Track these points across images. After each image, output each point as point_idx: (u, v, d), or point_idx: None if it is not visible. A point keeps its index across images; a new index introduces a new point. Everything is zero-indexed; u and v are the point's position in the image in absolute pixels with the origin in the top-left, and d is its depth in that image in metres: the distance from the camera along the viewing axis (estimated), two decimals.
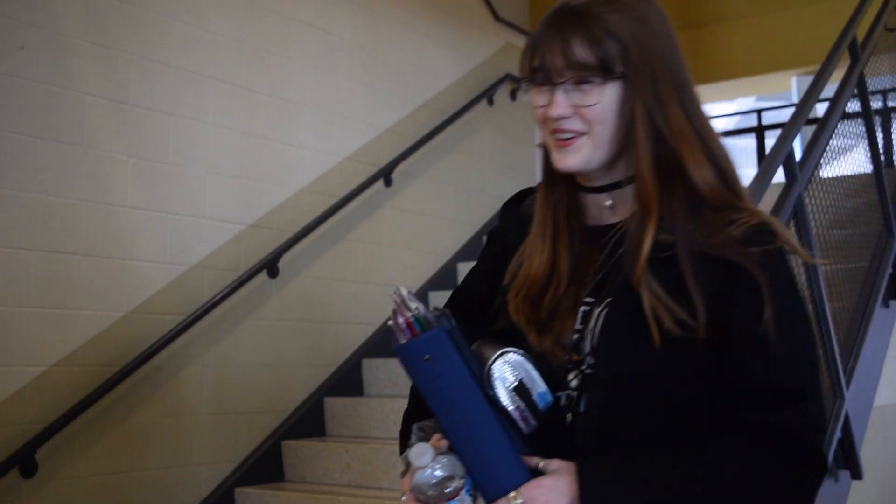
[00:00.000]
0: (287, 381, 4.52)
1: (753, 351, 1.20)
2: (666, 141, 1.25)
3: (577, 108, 1.25)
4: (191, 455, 4.06)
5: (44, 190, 3.61)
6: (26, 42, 3.60)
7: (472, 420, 1.17)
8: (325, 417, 4.63)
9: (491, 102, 6.33)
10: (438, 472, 1.18)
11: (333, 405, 4.61)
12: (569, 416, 1.26)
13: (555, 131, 1.27)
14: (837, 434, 3.15)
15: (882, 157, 4.21)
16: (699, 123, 1.28)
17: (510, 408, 1.19)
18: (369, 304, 4.99)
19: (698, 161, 1.25)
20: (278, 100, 4.68)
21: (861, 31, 4.06)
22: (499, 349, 1.21)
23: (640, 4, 1.29)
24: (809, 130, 3.75)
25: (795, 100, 9.05)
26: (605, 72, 1.23)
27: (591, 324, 1.27)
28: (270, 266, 4.46)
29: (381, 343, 4.92)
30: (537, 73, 1.28)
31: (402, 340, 1.20)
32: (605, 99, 1.24)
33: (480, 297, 1.41)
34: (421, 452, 1.19)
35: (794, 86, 9.21)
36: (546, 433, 1.22)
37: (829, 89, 3.77)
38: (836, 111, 3.63)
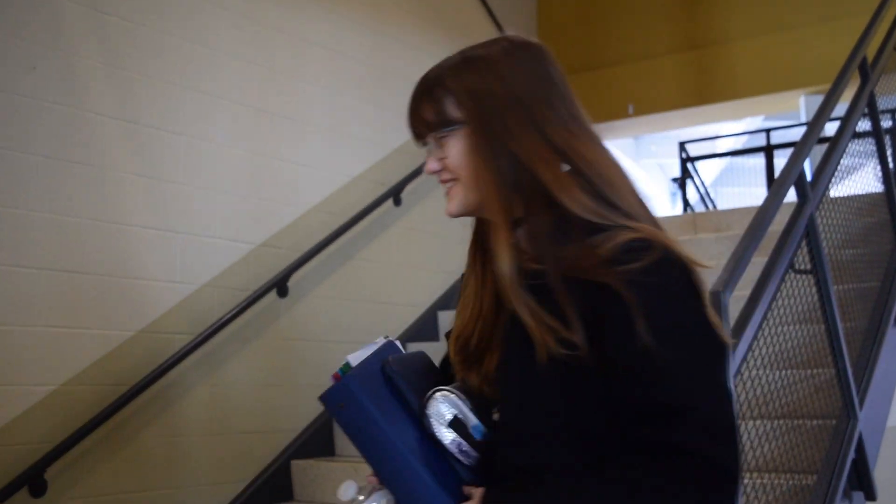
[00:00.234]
0: (296, 401, 4.50)
1: (631, 370, 1.20)
2: (526, 170, 1.31)
3: (442, 161, 1.39)
4: (200, 475, 4.05)
5: (54, 209, 3.61)
6: (38, 62, 3.61)
7: (390, 458, 1.27)
8: (335, 436, 4.61)
9: None
10: None
11: None
12: None
13: (441, 183, 1.42)
14: (851, 455, 3.12)
15: (893, 177, 4.19)
16: (571, 149, 1.32)
17: (446, 441, 1.28)
18: (379, 324, 4.98)
19: (566, 185, 1.29)
20: (287, 119, 4.69)
21: (871, 51, 4.06)
22: (435, 388, 1.31)
23: (488, 57, 1.39)
24: (817, 150, 3.74)
25: (804, 119, 9.04)
26: (446, 124, 1.36)
27: None
28: (280, 285, 4.46)
29: None
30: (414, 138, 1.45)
31: None
32: (455, 147, 1.37)
33: None
34: (346, 488, 1.33)
35: (802, 105, 9.20)
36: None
37: (839, 109, 3.77)
38: (847, 130, 3.62)
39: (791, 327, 3.07)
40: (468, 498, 1.27)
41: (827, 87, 3.56)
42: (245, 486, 4.22)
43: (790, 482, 2.86)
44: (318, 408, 4.60)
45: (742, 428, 2.52)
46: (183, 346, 3.96)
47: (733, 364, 2.37)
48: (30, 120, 3.56)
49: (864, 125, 4.04)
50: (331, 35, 5.04)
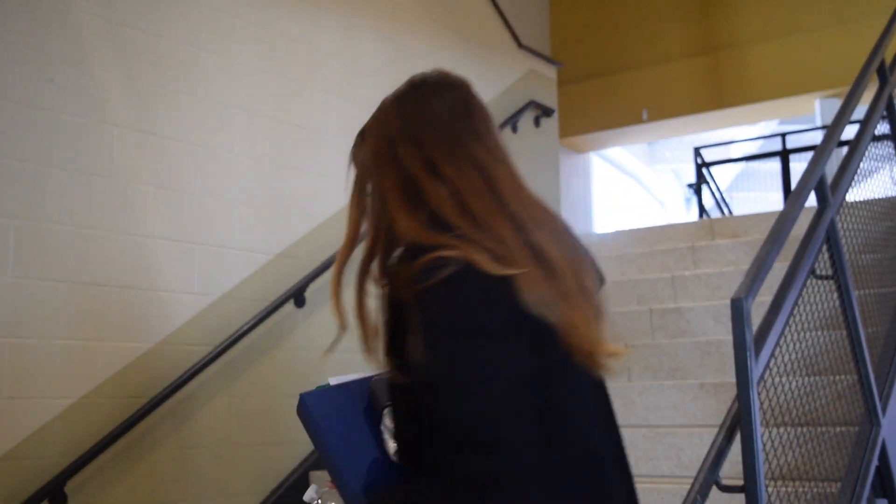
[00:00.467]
0: None
1: (412, 386, 1.25)
2: (378, 201, 1.45)
3: None
4: (218, 486, 4.05)
5: (72, 221, 3.62)
6: (56, 74, 3.63)
7: (333, 467, 1.38)
8: None
9: (515, 129, 6.34)
10: None
11: None
12: None
13: None
14: (874, 462, 3.10)
15: None
16: (409, 179, 1.39)
17: (390, 452, 1.38)
18: None
19: (397, 212, 1.38)
20: (304, 129, 4.70)
21: (889, 54, 4.04)
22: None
23: (380, 105, 1.53)
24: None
25: (819, 123, 9.00)
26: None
27: None
28: (297, 295, 4.46)
29: None
30: None
31: None
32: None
33: None
34: (310, 490, 1.55)
35: (817, 109, 9.16)
36: None
37: (855, 112, 3.75)
38: (866, 134, 3.60)
39: (811, 333, 3.05)
40: None
41: (842, 90, 3.56)
42: (263, 497, 4.22)
43: (814, 490, 2.83)
44: None
45: (765, 436, 2.50)
46: (202, 357, 3.96)
47: (757, 370, 2.35)
48: (47, 132, 3.58)
49: (881, 128, 4.02)
50: (346, 45, 5.05)
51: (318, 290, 4.59)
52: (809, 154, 9.31)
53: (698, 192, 10.08)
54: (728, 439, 2.39)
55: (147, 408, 3.72)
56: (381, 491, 1.33)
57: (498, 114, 6.20)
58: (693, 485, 2.26)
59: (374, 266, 1.43)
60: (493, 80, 6.29)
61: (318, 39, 4.88)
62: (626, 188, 15.46)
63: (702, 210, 10.01)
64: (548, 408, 1.27)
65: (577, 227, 8.00)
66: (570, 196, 9.32)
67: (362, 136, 1.50)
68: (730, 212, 10.50)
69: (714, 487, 2.32)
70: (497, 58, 6.39)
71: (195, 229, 4.09)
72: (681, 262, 5.50)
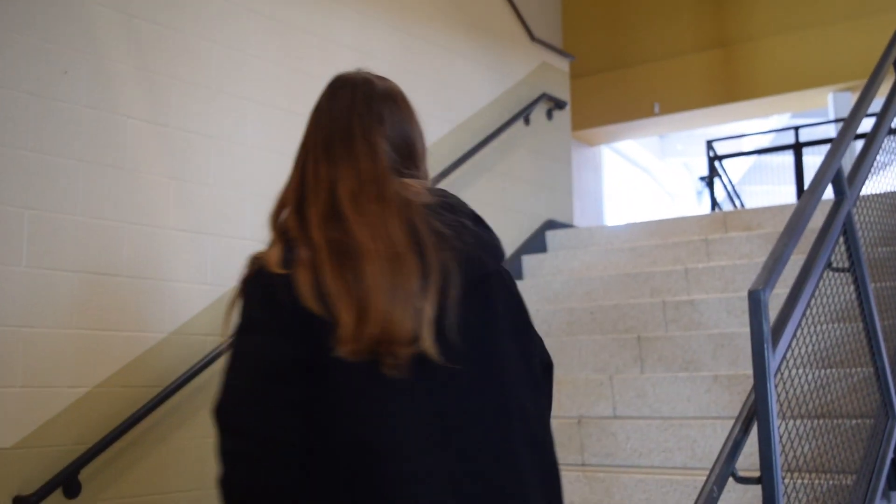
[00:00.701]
0: None
1: None
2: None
3: None
4: None
5: (86, 212, 3.63)
6: (69, 67, 3.63)
7: None
8: None
9: (527, 122, 6.33)
10: None
11: None
12: None
13: None
14: (890, 454, 3.09)
15: None
16: (302, 174, 1.53)
17: None
18: None
19: (311, 203, 1.47)
20: None
21: None
22: None
23: None
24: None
25: (832, 116, 8.96)
26: None
27: None
28: None
29: None
30: None
31: None
32: None
33: None
34: None
35: (830, 102, 9.12)
36: None
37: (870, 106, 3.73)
38: (882, 127, 3.59)
39: (826, 326, 3.04)
40: None
41: (855, 83, 3.55)
42: None
43: (829, 482, 2.83)
44: None
45: (781, 428, 2.49)
46: (215, 347, 3.96)
47: (774, 362, 2.34)
48: (62, 124, 3.58)
49: None
50: (359, 37, 5.05)
51: None
52: (822, 148, 9.30)
53: (710, 185, 10.05)
54: (744, 431, 2.39)
55: (160, 397, 3.73)
56: None
57: (510, 107, 6.20)
58: (709, 476, 2.26)
59: None
60: (506, 72, 6.28)
61: (332, 32, 4.88)
62: (636, 181, 15.44)
63: (714, 203, 9.99)
64: (316, 398, 1.33)
65: (588, 220, 8.00)
66: (581, 189, 9.31)
67: None
68: (742, 205, 10.47)
69: (731, 479, 2.31)
70: (510, 50, 6.38)
71: (208, 220, 4.09)
72: (694, 254, 5.49)
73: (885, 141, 3.78)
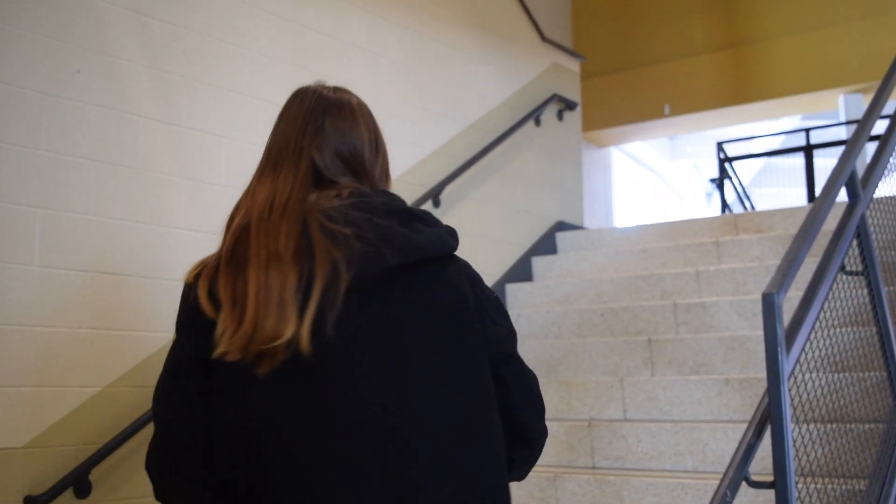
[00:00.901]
0: None
1: None
2: None
3: None
4: None
5: (98, 212, 3.63)
6: (82, 66, 3.63)
7: None
8: None
9: (538, 123, 6.32)
10: None
11: None
12: None
13: None
14: None
15: None
16: (248, 188, 1.68)
17: None
18: None
19: (236, 215, 1.65)
20: None
21: None
22: None
23: None
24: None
25: (843, 118, 8.93)
26: None
27: None
28: None
29: None
30: None
31: None
32: None
33: None
34: None
35: (841, 104, 9.10)
36: None
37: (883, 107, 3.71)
38: None
39: (839, 329, 3.03)
40: None
41: (866, 85, 3.54)
42: None
43: (842, 487, 2.82)
44: None
45: (794, 432, 2.48)
46: None
47: (787, 366, 2.33)
48: (73, 123, 3.59)
49: None
50: (370, 37, 5.04)
51: None
52: (833, 150, 9.27)
53: (721, 187, 10.03)
54: (757, 435, 2.38)
55: None
56: None
57: (520, 107, 6.19)
58: (722, 480, 2.25)
59: None
60: (517, 73, 6.27)
61: (343, 32, 4.87)
62: (645, 182, 15.41)
63: (724, 205, 9.96)
64: (212, 391, 1.45)
65: (598, 222, 7.99)
66: (591, 191, 9.29)
67: None
68: (752, 207, 10.45)
69: (743, 483, 2.30)
70: (520, 51, 6.37)
71: (219, 220, 4.06)
72: (705, 256, 5.47)
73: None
